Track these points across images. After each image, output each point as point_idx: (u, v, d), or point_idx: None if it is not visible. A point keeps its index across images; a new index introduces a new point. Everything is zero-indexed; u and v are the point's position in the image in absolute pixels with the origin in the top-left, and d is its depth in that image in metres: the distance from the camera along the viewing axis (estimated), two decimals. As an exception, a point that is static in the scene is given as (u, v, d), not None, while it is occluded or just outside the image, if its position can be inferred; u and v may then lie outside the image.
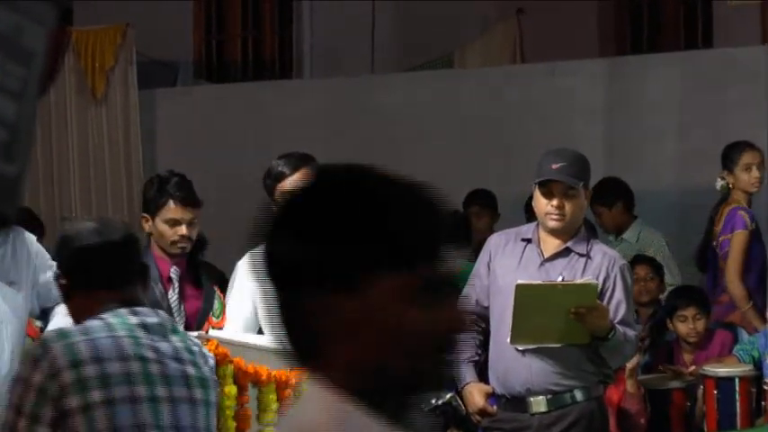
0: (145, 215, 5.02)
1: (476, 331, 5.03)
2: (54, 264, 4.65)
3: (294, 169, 4.84)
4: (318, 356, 1.63)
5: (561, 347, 4.80)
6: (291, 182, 4.80)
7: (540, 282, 4.79)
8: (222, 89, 10.67)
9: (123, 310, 3.02)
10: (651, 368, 6.45)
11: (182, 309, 4.94)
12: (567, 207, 4.81)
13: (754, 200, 6.82)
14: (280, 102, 9.82)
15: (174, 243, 4.90)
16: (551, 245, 4.89)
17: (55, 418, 2.82)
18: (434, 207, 1.66)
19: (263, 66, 11.47)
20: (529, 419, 4.86)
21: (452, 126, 9.24)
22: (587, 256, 4.87)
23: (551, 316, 4.71)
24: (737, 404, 5.90)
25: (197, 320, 4.90)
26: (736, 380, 5.94)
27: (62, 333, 2.94)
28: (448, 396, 4.77)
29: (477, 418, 4.94)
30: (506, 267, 4.90)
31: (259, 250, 1.69)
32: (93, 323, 2.98)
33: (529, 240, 4.93)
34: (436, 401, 4.70)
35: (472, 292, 5.04)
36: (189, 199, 4.93)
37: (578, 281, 4.78)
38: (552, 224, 4.83)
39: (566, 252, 4.88)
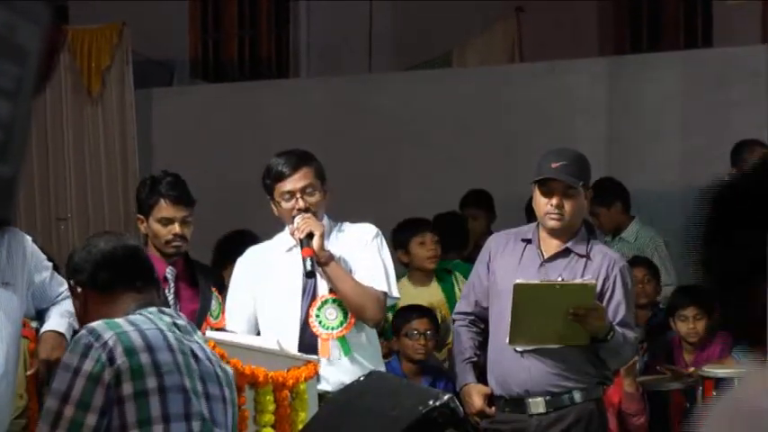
0: (140, 216, 5.02)
1: (475, 332, 5.02)
2: (50, 264, 4.65)
3: (294, 169, 4.81)
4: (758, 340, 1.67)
5: (560, 349, 4.79)
6: (291, 182, 4.79)
7: (538, 281, 4.77)
8: (219, 88, 10.65)
9: (153, 309, 3.14)
10: (649, 367, 6.43)
11: (177, 309, 4.92)
12: (567, 206, 4.79)
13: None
14: (277, 101, 9.80)
15: (168, 243, 4.90)
16: (551, 245, 4.88)
17: (106, 404, 2.88)
18: None
19: (259, 65, 11.45)
20: (527, 420, 4.85)
21: (451, 126, 9.23)
22: (587, 256, 4.86)
23: (550, 316, 4.69)
24: (737, 405, 5.88)
25: (194, 321, 4.88)
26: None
27: (110, 324, 3.03)
28: (446, 397, 4.74)
29: (476, 419, 4.92)
30: (506, 268, 4.89)
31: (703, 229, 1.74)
32: (134, 317, 3.08)
33: (529, 241, 4.91)
34: (434, 402, 4.67)
35: (471, 292, 5.02)
36: (181, 197, 4.93)
37: (576, 281, 4.77)
38: (551, 223, 4.81)
39: (565, 253, 4.87)
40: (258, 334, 4.88)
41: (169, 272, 4.94)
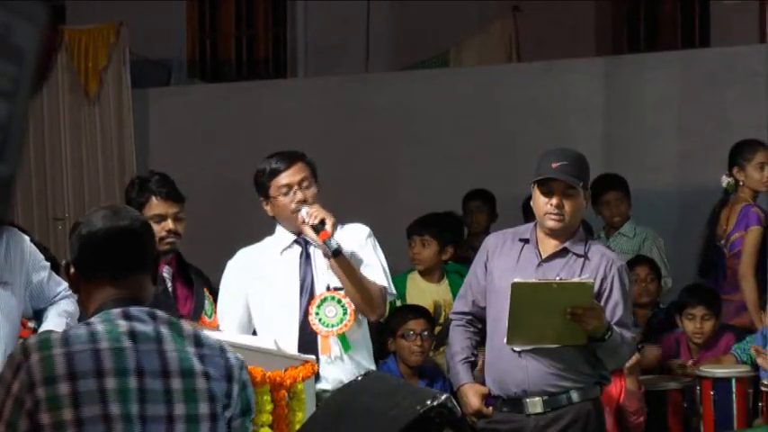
0: (132, 217, 5.02)
1: (472, 332, 5.02)
2: (47, 264, 4.66)
3: (288, 164, 4.88)
4: None
5: (557, 348, 4.79)
6: (288, 175, 4.83)
7: (535, 280, 4.77)
8: (216, 88, 10.65)
9: (116, 312, 2.88)
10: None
11: (175, 308, 4.93)
12: (567, 206, 4.79)
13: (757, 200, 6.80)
14: (274, 101, 9.81)
15: (162, 239, 4.90)
16: (549, 245, 4.87)
17: (29, 430, 2.77)
18: None
19: (256, 64, 11.45)
20: (525, 420, 4.84)
21: (448, 125, 9.23)
22: (585, 256, 4.85)
23: (547, 315, 4.69)
24: (734, 405, 5.89)
25: (190, 320, 4.88)
26: (733, 381, 5.94)
27: (43, 342, 2.82)
28: (443, 397, 4.74)
29: (473, 419, 4.92)
30: (503, 268, 4.88)
31: None
32: (77, 331, 2.86)
33: (526, 241, 4.91)
34: (432, 402, 4.66)
35: (468, 292, 5.02)
36: (171, 193, 4.97)
37: (574, 279, 4.77)
38: (551, 224, 4.81)
39: (563, 252, 4.87)
40: (254, 335, 4.88)
41: (166, 271, 4.94)
